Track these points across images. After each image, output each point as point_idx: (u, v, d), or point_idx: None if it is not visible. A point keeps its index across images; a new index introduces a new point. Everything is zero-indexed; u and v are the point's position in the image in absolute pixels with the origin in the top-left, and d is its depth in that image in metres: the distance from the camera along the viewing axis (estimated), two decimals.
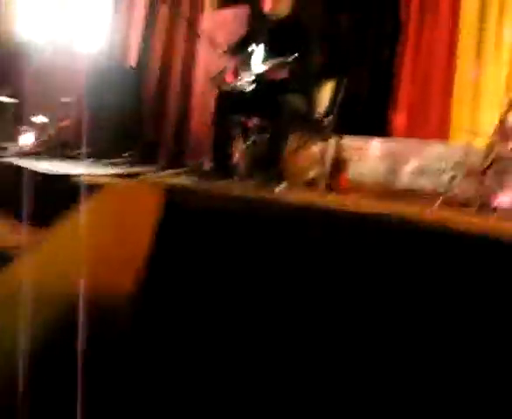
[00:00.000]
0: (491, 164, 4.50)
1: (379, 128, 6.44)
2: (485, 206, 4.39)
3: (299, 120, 4.15)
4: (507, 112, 4.73)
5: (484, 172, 4.54)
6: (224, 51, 4.13)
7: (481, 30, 6.04)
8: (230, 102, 4.16)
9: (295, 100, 4.05)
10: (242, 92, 4.23)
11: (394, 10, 6.64)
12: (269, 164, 3.94)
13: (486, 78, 5.89)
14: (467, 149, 5.10)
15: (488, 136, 4.80)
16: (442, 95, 6.22)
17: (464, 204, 4.63)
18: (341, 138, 6.26)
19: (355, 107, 6.77)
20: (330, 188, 6.03)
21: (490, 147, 4.71)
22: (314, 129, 4.41)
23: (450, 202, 4.78)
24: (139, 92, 5.95)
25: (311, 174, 6.37)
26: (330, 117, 4.36)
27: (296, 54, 3.75)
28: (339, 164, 6.25)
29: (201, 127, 6.17)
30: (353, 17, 6.97)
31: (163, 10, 6.12)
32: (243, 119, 4.41)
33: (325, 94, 4.38)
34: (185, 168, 4.37)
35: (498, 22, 5.93)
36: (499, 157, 4.49)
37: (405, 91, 6.47)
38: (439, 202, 4.55)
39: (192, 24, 5.05)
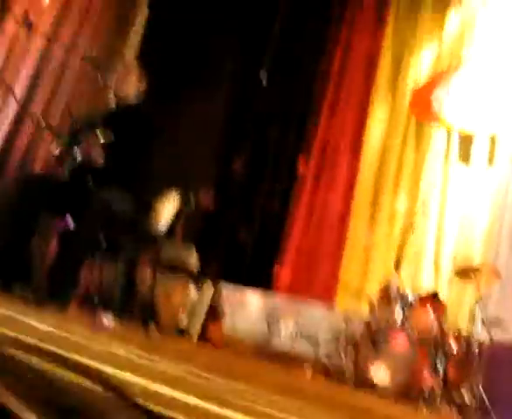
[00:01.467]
0: (370, 331, 4.18)
1: (262, 280, 6.09)
2: (360, 377, 4.02)
3: (118, 226, 3.41)
4: (392, 275, 4.57)
5: (362, 340, 4.21)
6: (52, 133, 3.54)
7: (377, 193, 6.02)
8: (35, 191, 3.33)
9: (114, 198, 3.29)
10: (54, 181, 3.53)
11: (292, 163, 6.58)
12: (60, 274, 3.15)
13: (377, 244, 5.77)
14: (348, 315, 4.85)
15: (372, 301, 4.54)
16: (332, 255, 6.04)
17: (340, 373, 4.28)
18: (218, 285, 5.90)
19: (239, 254, 6.53)
20: (202, 339, 5.59)
21: (372, 313, 4.45)
22: (143, 242, 3.72)
23: (326, 371, 4.52)
24: None
25: (183, 320, 5.87)
26: (168, 233, 3.74)
27: (112, 137, 3.17)
28: (214, 314, 5.83)
29: None
30: (247, 162, 6.84)
31: None
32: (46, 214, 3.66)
33: (168, 206, 3.84)
34: None
35: (392, 192, 5.93)
36: (379, 325, 4.20)
37: (294, 245, 6.26)
38: (309, 370, 4.14)
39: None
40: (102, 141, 3.08)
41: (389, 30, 6.29)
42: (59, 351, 0.93)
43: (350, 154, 6.20)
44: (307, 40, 6.81)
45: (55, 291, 3.04)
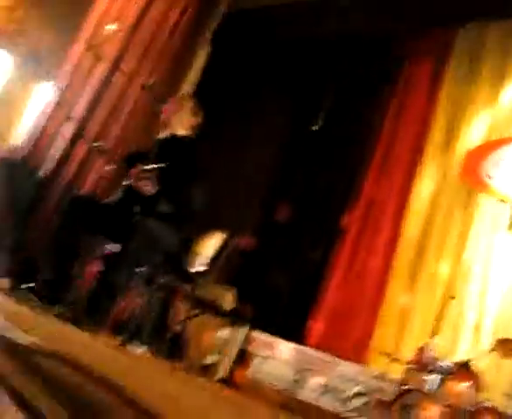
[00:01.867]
0: (401, 395, 4.08)
1: (295, 329, 6.04)
2: None
3: (160, 258, 3.40)
4: (429, 341, 4.46)
5: (393, 403, 4.10)
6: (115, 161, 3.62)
7: (418, 260, 5.94)
8: (80, 211, 3.35)
9: (159, 230, 3.26)
10: (102, 205, 3.57)
11: (336, 215, 6.56)
12: (102, 300, 3.16)
13: (416, 307, 5.67)
14: (380, 375, 4.75)
15: (405, 364, 4.44)
16: (368, 313, 5.95)
17: None
18: (250, 329, 5.86)
19: (274, 301, 6.50)
20: (227, 380, 5.54)
21: (404, 377, 4.35)
22: (183, 278, 3.70)
23: None
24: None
25: (210, 359, 5.84)
26: (206, 272, 3.71)
27: (164, 164, 3.17)
28: (242, 357, 5.78)
29: None
30: (292, 211, 6.87)
31: None
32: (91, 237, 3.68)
33: (209, 245, 3.84)
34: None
35: (436, 255, 5.84)
36: (411, 388, 4.09)
37: (330, 299, 6.19)
38: None
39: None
40: (154, 173, 3.13)
41: (444, 94, 6.29)
42: (91, 366, 0.94)
43: (395, 213, 6.16)
44: (361, 95, 6.88)
45: (92, 313, 3.07)
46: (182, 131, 3.67)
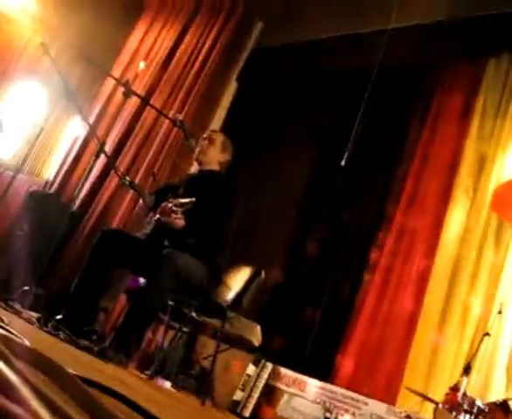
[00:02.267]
0: None
1: (323, 366, 5.97)
2: None
3: (188, 292, 3.44)
4: (461, 380, 4.34)
5: None
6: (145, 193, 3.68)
7: (449, 296, 5.84)
8: (110, 245, 3.42)
9: (187, 262, 3.29)
10: (131, 238, 3.63)
11: (365, 249, 6.52)
12: (130, 333, 3.16)
13: (446, 347, 5.57)
14: (410, 416, 4.66)
15: (436, 405, 4.34)
16: (397, 351, 5.85)
17: None
18: (278, 365, 5.83)
19: (302, 337, 6.46)
20: (255, 417, 5.50)
21: (435, 417, 4.25)
22: (211, 311, 3.68)
23: None
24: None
25: (238, 395, 5.80)
26: (235, 306, 3.67)
27: (194, 198, 3.20)
28: (270, 394, 5.74)
29: None
30: (321, 244, 6.85)
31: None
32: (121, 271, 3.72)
33: (238, 279, 3.82)
34: None
35: (468, 291, 5.74)
36: None
37: (358, 336, 6.11)
38: None
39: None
40: (184, 207, 3.17)
41: (474, 126, 6.26)
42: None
43: (426, 247, 6.09)
44: (392, 126, 6.90)
45: (119, 347, 3.09)
46: (212, 166, 3.72)
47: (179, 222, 3.18)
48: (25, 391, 0.45)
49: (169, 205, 3.19)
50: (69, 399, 0.58)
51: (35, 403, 0.43)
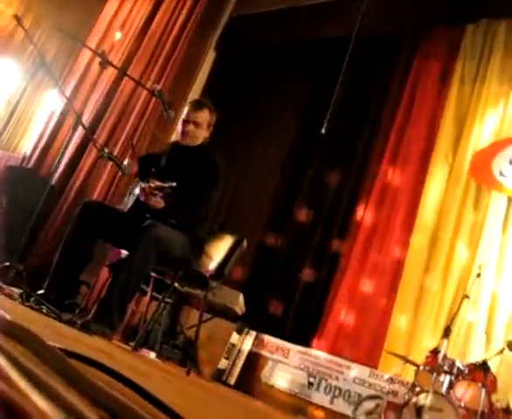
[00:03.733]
0: (411, 399, 4.07)
1: (304, 336, 6.03)
2: None
3: (170, 262, 3.38)
4: (441, 342, 4.43)
5: (404, 405, 4.08)
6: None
7: (430, 256, 5.92)
8: (92, 217, 3.38)
9: (168, 232, 3.29)
10: (113, 211, 3.61)
11: (348, 209, 6.57)
12: (110, 304, 3.12)
13: (428, 307, 5.65)
14: (392, 378, 4.74)
15: (417, 366, 4.42)
16: (379, 315, 5.92)
17: None
18: (260, 334, 5.88)
19: (285, 306, 6.51)
20: (240, 385, 5.55)
21: (417, 379, 4.33)
22: (193, 282, 3.68)
23: None
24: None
25: (221, 364, 5.85)
26: (217, 276, 3.66)
27: (174, 183, 3.19)
28: (254, 362, 5.79)
29: None
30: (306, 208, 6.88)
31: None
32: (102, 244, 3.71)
33: (220, 249, 3.81)
34: None
35: (447, 255, 5.81)
36: (423, 390, 4.07)
37: (343, 298, 6.16)
38: None
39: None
40: (164, 192, 3.14)
41: (453, 92, 6.28)
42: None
43: (406, 211, 6.14)
44: (369, 93, 6.89)
45: (102, 320, 3.07)
46: (197, 142, 3.67)
47: (159, 205, 3.17)
48: (1, 359, 0.44)
49: (150, 187, 3.16)
50: (49, 370, 0.58)
51: (12, 372, 0.42)
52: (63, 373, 0.59)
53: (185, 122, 3.61)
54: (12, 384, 0.41)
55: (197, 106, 3.68)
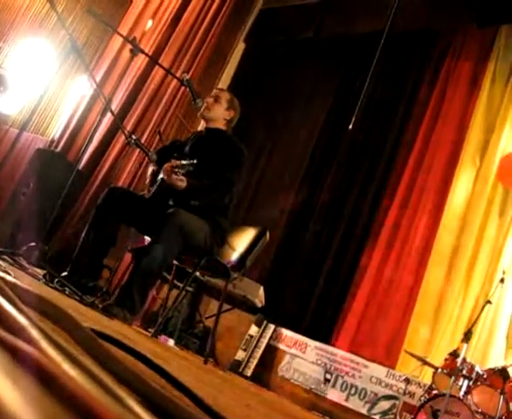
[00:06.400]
0: (427, 401, 4.04)
1: (323, 332, 6.03)
2: None
3: (192, 250, 3.36)
4: (461, 346, 4.39)
5: (420, 407, 4.06)
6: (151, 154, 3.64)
7: (453, 259, 5.87)
8: (116, 202, 3.40)
9: (191, 220, 3.27)
10: (137, 197, 3.59)
11: (372, 209, 6.53)
12: (129, 292, 3.12)
13: (447, 313, 5.61)
14: (409, 379, 4.72)
15: (436, 369, 4.40)
16: (399, 316, 5.89)
17: None
18: (279, 327, 5.88)
19: (305, 302, 6.49)
20: (257, 376, 5.57)
21: (434, 381, 4.31)
22: (214, 271, 3.67)
23: None
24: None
25: (239, 355, 5.87)
26: (239, 267, 3.64)
27: (195, 161, 3.18)
28: (271, 355, 5.80)
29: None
30: (326, 209, 6.85)
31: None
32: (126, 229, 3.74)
33: (242, 240, 3.80)
34: None
35: (470, 259, 5.76)
36: (440, 393, 4.05)
37: (361, 299, 6.14)
38: None
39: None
40: (187, 168, 3.14)
41: (483, 94, 6.20)
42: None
43: (431, 212, 6.08)
44: (399, 89, 6.83)
45: (124, 304, 3.10)
46: (218, 124, 3.69)
47: (180, 183, 3.17)
48: (34, 332, 0.45)
49: (173, 166, 3.17)
50: (78, 346, 0.58)
51: (44, 343, 0.43)
52: (93, 352, 0.60)
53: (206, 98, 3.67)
54: (45, 353, 0.42)
55: (219, 87, 3.72)
